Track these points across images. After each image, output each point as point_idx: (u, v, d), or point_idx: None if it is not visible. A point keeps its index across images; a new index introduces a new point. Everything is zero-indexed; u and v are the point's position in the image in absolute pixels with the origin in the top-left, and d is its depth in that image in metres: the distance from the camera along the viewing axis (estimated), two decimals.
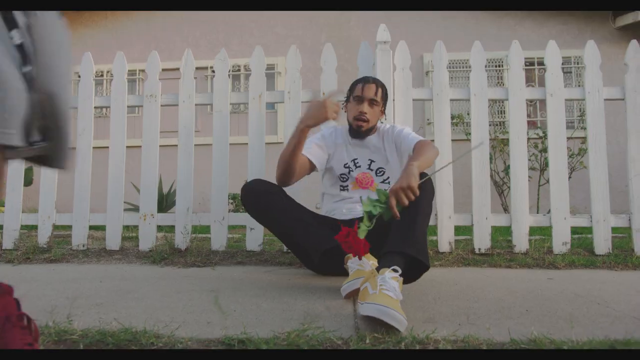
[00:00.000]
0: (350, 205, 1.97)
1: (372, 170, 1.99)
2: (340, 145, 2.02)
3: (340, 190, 2.00)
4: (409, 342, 1.04)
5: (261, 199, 1.80)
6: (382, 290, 1.21)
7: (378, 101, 1.95)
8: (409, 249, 1.42)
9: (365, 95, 1.92)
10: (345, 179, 1.99)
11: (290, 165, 1.81)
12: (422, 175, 1.58)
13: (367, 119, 1.93)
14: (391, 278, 1.27)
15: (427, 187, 1.56)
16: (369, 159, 2.00)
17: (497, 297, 1.51)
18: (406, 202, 1.43)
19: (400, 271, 1.32)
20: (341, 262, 1.66)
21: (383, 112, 2.03)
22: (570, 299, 1.49)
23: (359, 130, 1.96)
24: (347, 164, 1.99)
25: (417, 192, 1.45)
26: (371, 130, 1.99)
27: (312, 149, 1.96)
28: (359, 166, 1.99)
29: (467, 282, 1.78)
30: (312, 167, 1.97)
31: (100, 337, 1.05)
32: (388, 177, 1.98)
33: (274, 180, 1.88)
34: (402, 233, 1.46)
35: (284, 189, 1.90)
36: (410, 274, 1.47)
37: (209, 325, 1.19)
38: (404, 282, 1.41)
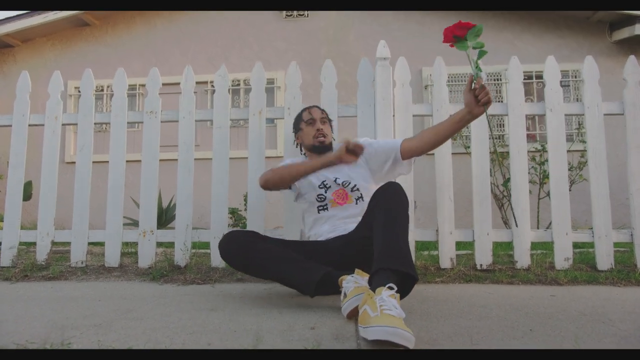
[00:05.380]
0: (334, 222, 1.97)
1: (339, 184, 2.01)
2: None
3: (319, 211, 2.02)
4: None
5: (239, 251, 1.77)
6: (384, 311, 1.19)
7: (327, 119, 2.16)
8: (398, 264, 1.43)
9: (315, 117, 2.12)
10: (322, 199, 2.01)
11: (288, 182, 2.04)
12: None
13: (326, 134, 2.10)
14: (389, 296, 1.26)
15: (401, 198, 1.63)
16: (334, 177, 2.03)
17: (501, 316, 1.50)
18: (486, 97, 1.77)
19: (396, 288, 1.32)
20: (336, 287, 1.63)
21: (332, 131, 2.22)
22: (574, 318, 1.47)
23: (321, 145, 2.08)
24: (320, 184, 2.03)
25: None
26: (330, 146, 2.10)
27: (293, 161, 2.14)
28: (329, 187, 2.02)
29: (469, 300, 1.76)
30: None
31: None
32: (355, 185, 2.00)
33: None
34: (387, 249, 1.48)
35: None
36: (402, 289, 1.46)
37: (209, 347, 1.17)
38: (401, 298, 1.42)
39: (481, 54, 1.69)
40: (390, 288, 1.31)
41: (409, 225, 1.63)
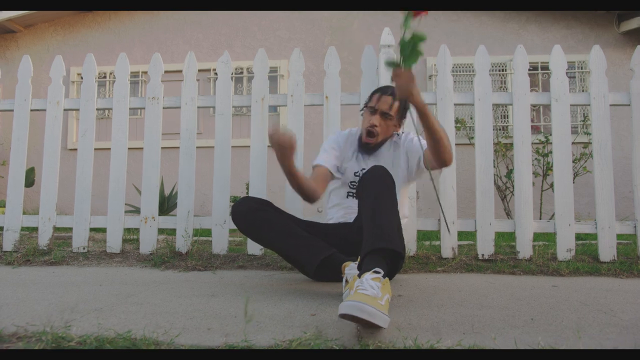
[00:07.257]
0: (350, 213, 1.96)
1: None
2: (352, 152, 2.02)
3: (347, 196, 2.00)
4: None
5: (250, 218, 1.77)
6: (359, 290, 1.19)
7: (392, 116, 1.89)
8: (382, 242, 1.41)
9: (378, 107, 1.89)
10: (354, 186, 1.99)
11: (301, 188, 1.76)
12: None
13: (377, 132, 1.90)
14: (372, 279, 1.25)
15: (383, 179, 1.56)
16: None
17: (502, 305, 1.49)
18: (404, 88, 1.51)
19: (382, 272, 1.30)
20: (338, 271, 1.63)
21: (398, 126, 1.98)
22: (576, 308, 1.46)
23: (367, 146, 1.95)
24: (357, 172, 1.99)
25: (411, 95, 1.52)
26: (380, 145, 1.97)
27: (329, 155, 1.97)
28: None
29: (471, 289, 1.75)
30: (332, 175, 1.97)
31: (98, 344, 1.03)
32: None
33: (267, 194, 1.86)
34: (371, 232, 1.46)
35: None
36: (390, 268, 1.45)
37: (209, 332, 1.17)
38: (391, 277, 1.44)
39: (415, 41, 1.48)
40: (376, 272, 1.29)
41: (395, 204, 1.57)
